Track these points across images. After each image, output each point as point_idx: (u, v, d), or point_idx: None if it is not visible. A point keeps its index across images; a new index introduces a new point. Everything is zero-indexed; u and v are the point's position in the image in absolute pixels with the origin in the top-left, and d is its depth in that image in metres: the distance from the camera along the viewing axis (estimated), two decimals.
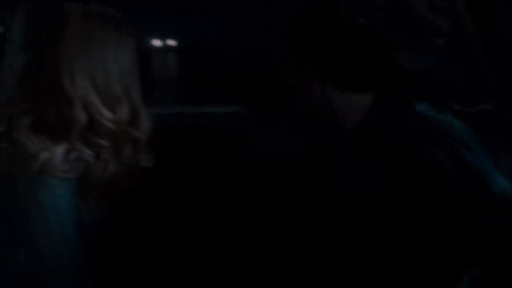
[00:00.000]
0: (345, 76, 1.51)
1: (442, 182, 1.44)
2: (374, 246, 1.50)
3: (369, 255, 1.51)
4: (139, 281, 2.12)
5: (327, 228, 1.62)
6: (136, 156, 1.56)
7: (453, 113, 1.58)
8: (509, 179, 1.51)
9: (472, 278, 1.52)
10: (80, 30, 1.47)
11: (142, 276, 2.07)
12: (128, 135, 1.52)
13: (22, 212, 1.40)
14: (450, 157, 1.44)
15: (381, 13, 1.50)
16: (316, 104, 1.56)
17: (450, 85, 2.67)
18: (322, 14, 1.50)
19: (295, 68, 1.57)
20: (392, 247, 1.47)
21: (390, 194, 1.45)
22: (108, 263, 1.62)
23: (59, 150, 1.43)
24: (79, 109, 1.44)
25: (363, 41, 1.48)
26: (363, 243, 1.51)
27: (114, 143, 1.51)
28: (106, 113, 1.47)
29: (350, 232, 1.53)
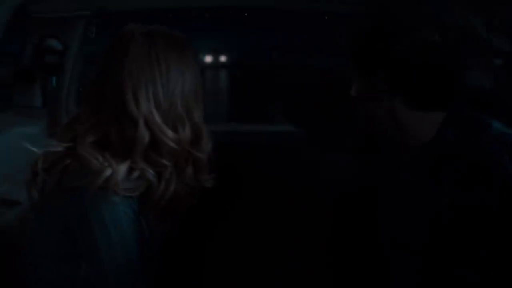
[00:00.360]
0: (416, 94, 1.49)
1: None
2: (447, 270, 1.48)
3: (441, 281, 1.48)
4: None
5: (390, 252, 1.61)
6: (197, 176, 1.57)
7: None
8: None
9: None
10: (142, 51, 1.48)
11: None
12: (190, 155, 1.53)
13: (85, 227, 1.43)
14: None
15: (452, 31, 1.49)
16: (384, 123, 1.55)
17: (506, 104, 2.64)
18: (395, 32, 1.48)
19: (363, 86, 1.56)
20: (467, 273, 1.44)
21: (465, 215, 1.43)
22: (167, 280, 1.63)
23: (122, 168, 1.45)
24: (142, 129, 1.46)
25: (436, 59, 1.47)
26: (435, 266, 1.49)
27: (176, 163, 1.52)
28: (169, 132, 1.48)
29: (419, 256, 1.52)
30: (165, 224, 1.58)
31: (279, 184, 2.63)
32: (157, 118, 1.47)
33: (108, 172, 1.43)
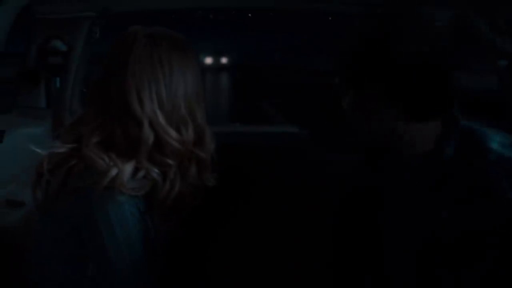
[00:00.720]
0: (411, 105, 1.47)
1: None
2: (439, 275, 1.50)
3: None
4: None
5: (389, 255, 1.63)
6: (200, 176, 1.58)
7: None
8: None
9: None
10: (145, 53, 1.49)
11: None
12: (193, 155, 1.54)
13: (92, 227, 1.43)
14: None
15: (444, 38, 1.49)
16: (381, 134, 1.53)
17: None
18: (386, 44, 1.45)
19: (357, 98, 1.53)
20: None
21: (465, 224, 1.44)
22: (172, 279, 1.63)
23: (128, 168, 1.45)
24: (147, 130, 1.47)
25: (427, 70, 1.45)
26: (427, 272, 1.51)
27: (180, 163, 1.53)
28: (173, 133, 1.49)
29: (414, 261, 1.54)
30: (170, 223, 1.58)
31: (282, 184, 2.64)
32: (161, 119, 1.48)
33: (114, 172, 1.43)
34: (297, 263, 2.51)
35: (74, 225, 1.46)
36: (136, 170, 1.47)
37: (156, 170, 1.49)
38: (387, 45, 1.45)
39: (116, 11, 2.83)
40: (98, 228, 1.42)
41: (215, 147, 1.60)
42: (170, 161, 1.50)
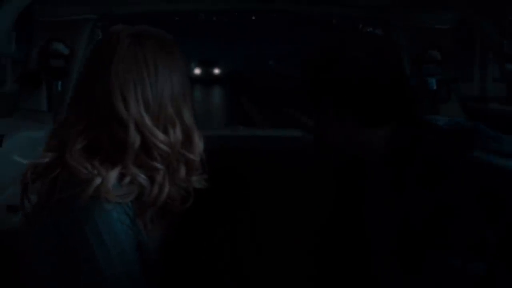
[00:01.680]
0: (360, 113, 1.59)
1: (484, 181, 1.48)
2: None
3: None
4: None
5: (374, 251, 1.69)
6: (189, 178, 1.54)
7: None
8: None
9: None
10: (129, 53, 1.46)
11: None
12: (181, 157, 1.50)
13: (80, 237, 1.39)
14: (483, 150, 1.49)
15: (389, 48, 1.63)
16: (339, 142, 1.65)
17: None
18: (330, 59, 1.61)
19: (314, 109, 1.66)
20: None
21: (434, 210, 1.50)
22: (166, 283, 1.61)
23: (112, 175, 1.41)
24: (133, 133, 1.43)
25: (369, 79, 1.57)
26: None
27: (168, 165, 1.49)
28: (160, 135, 1.45)
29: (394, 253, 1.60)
30: (161, 227, 1.56)
31: (279, 188, 2.63)
32: (148, 121, 1.44)
33: (98, 180, 1.39)
34: (291, 266, 2.51)
35: (63, 235, 1.42)
36: (122, 176, 1.43)
37: (143, 176, 1.45)
38: (333, 66, 1.60)
39: (118, 13, 2.82)
40: (87, 237, 1.39)
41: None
42: (158, 165, 1.46)
